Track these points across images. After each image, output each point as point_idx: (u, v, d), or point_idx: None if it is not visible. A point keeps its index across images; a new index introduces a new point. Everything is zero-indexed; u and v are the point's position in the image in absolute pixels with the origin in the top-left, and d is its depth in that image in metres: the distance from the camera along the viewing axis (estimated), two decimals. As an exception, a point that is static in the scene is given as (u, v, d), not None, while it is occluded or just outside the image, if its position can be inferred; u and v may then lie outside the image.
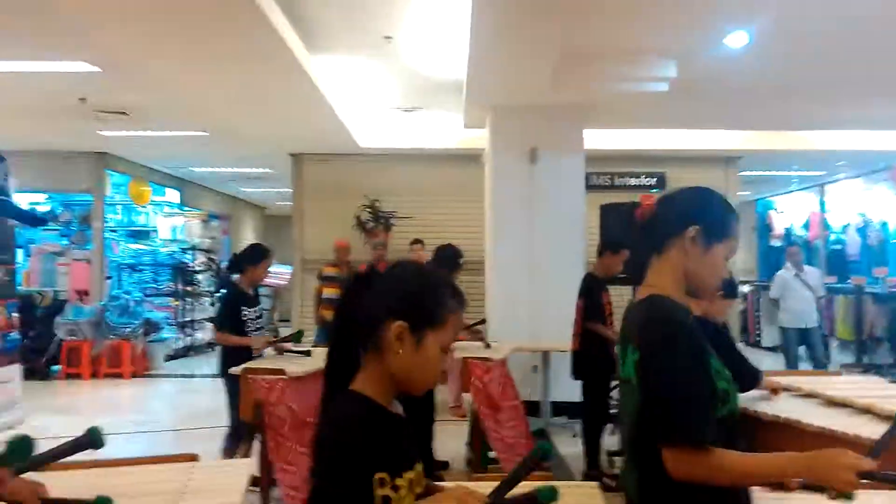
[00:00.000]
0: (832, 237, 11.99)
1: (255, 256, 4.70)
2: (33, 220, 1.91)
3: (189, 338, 11.56)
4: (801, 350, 7.77)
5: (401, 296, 1.39)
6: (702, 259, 1.65)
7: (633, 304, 1.70)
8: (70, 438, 1.64)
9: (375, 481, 1.28)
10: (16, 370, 6.77)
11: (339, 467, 1.27)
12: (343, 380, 1.40)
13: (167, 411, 8.04)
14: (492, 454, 4.65)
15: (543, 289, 6.66)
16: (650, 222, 1.72)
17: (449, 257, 5.05)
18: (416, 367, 1.38)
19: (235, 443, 4.41)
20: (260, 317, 4.73)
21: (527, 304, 6.72)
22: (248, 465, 2.01)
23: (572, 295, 5.03)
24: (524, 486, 1.39)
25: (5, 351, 6.66)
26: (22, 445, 1.54)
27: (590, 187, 7.57)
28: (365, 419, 1.33)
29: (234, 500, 1.73)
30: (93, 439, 1.63)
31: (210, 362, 10.89)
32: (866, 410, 2.66)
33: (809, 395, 3.01)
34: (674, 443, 1.47)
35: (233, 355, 4.41)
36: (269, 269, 4.78)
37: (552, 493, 1.34)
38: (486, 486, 1.40)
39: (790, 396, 3.04)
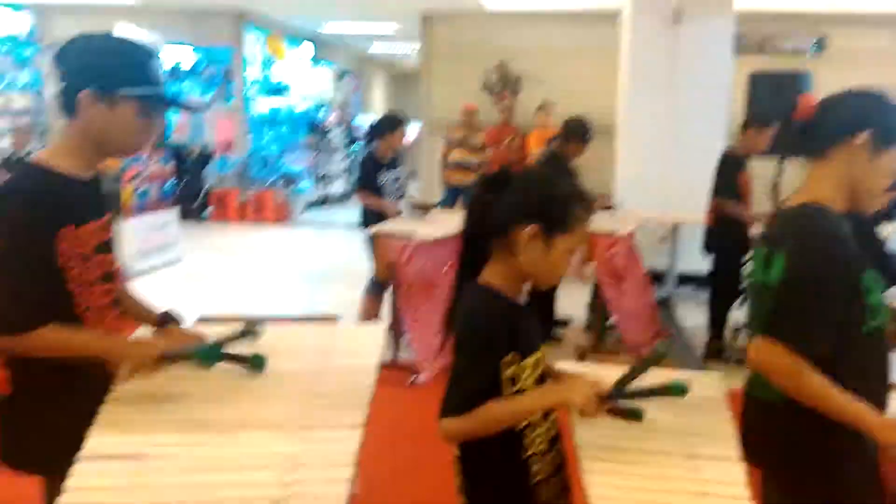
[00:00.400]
0: None
1: (391, 125, 4.91)
2: (186, 106, 2.04)
3: (325, 189, 12.15)
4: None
5: (536, 200, 1.45)
6: (870, 168, 1.56)
7: (784, 210, 1.64)
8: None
9: (504, 363, 1.43)
10: (173, 214, 7.45)
11: (471, 352, 1.42)
12: (474, 270, 1.51)
13: (305, 256, 8.65)
14: (611, 321, 4.73)
15: (678, 159, 6.40)
16: (811, 125, 1.62)
17: (577, 130, 4.93)
18: (543, 267, 1.48)
19: (375, 290, 4.87)
20: (397, 179, 4.96)
21: (659, 174, 6.51)
22: (382, 330, 2.17)
23: (709, 168, 4.82)
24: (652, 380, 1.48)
25: (163, 197, 7.31)
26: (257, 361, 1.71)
27: (738, 51, 6.98)
28: (493, 309, 1.46)
29: (372, 361, 1.89)
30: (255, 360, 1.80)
31: (343, 212, 11.50)
32: None
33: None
34: (773, 335, 1.49)
35: (372, 213, 4.77)
36: (402, 136, 4.95)
37: (682, 388, 1.46)
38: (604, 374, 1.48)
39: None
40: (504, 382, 1.43)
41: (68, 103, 1.57)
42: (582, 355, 4.60)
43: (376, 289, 4.93)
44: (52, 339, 1.52)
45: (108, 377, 1.60)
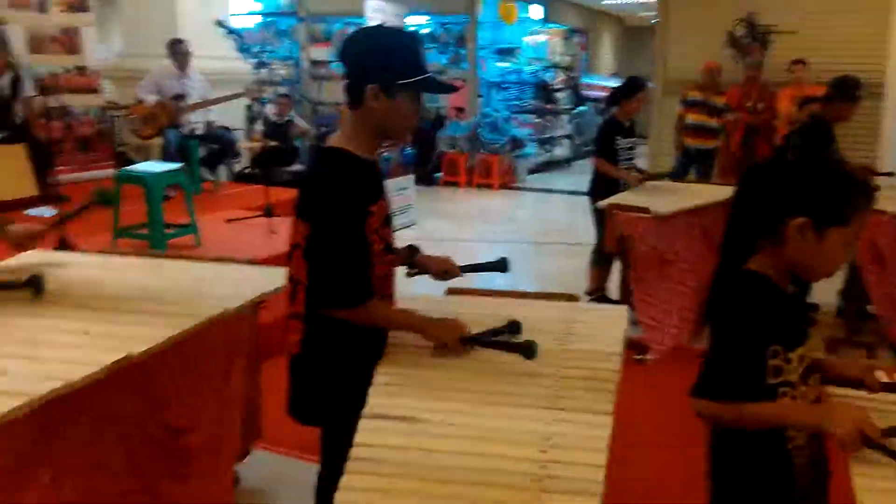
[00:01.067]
0: None
1: (630, 89, 4.81)
2: (447, 89, 2.21)
3: (549, 153, 12.17)
4: None
5: (808, 193, 1.39)
6: None
7: None
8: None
9: (769, 352, 1.41)
10: (411, 179, 7.92)
11: (736, 338, 1.42)
12: (739, 256, 1.49)
13: (530, 222, 8.78)
14: (871, 308, 4.29)
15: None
16: None
17: (846, 89, 4.46)
18: (814, 260, 1.43)
19: (602, 262, 4.88)
20: (632, 148, 4.87)
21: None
22: (624, 314, 2.17)
23: None
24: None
25: (403, 163, 7.80)
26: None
27: None
28: (762, 297, 1.44)
29: (618, 346, 1.92)
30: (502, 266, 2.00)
31: (566, 178, 11.47)
32: None
33: None
34: None
35: (603, 182, 4.72)
36: (644, 100, 4.83)
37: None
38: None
39: None
40: (769, 370, 1.41)
41: (354, 96, 1.76)
42: (833, 346, 4.23)
43: (603, 260, 4.90)
44: (382, 313, 1.78)
45: (382, 340, 1.81)
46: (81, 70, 6.42)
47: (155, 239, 4.32)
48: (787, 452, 1.46)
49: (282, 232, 5.01)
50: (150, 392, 2.00)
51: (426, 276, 2.14)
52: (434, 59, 11.07)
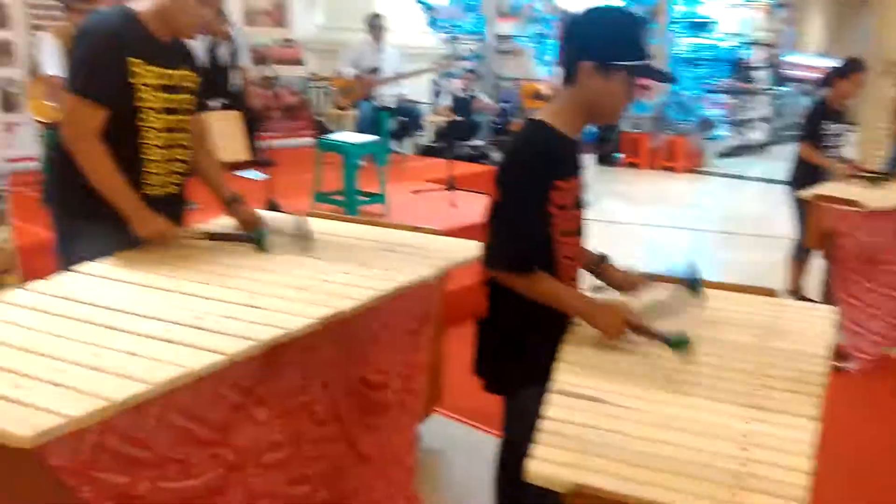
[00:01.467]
0: None
1: (846, 70, 4.44)
2: (667, 77, 2.13)
3: (742, 136, 11.43)
4: None
5: None
6: None
7: None
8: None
9: None
10: (591, 159, 7.80)
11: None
12: None
13: (715, 209, 8.33)
14: None
15: None
16: None
17: None
18: None
19: (801, 257, 4.55)
20: (840, 135, 4.50)
21: None
22: (831, 315, 2.03)
23: None
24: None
25: (584, 142, 7.68)
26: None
27: None
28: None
29: (823, 348, 1.80)
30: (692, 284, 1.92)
31: (761, 164, 10.72)
32: None
33: None
34: None
35: (806, 170, 4.40)
36: (861, 83, 4.42)
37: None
38: None
39: None
40: None
41: (569, 72, 1.77)
42: None
43: (802, 255, 4.56)
44: (547, 286, 1.77)
45: (565, 316, 1.82)
46: (289, 42, 6.91)
47: (349, 205, 4.61)
48: None
49: (462, 206, 5.16)
50: (351, 348, 2.16)
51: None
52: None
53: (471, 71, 9.07)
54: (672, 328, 1.73)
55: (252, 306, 1.87)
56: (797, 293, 4.59)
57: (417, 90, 7.69)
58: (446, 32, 9.66)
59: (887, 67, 8.12)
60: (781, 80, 12.47)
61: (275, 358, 1.81)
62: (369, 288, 2.05)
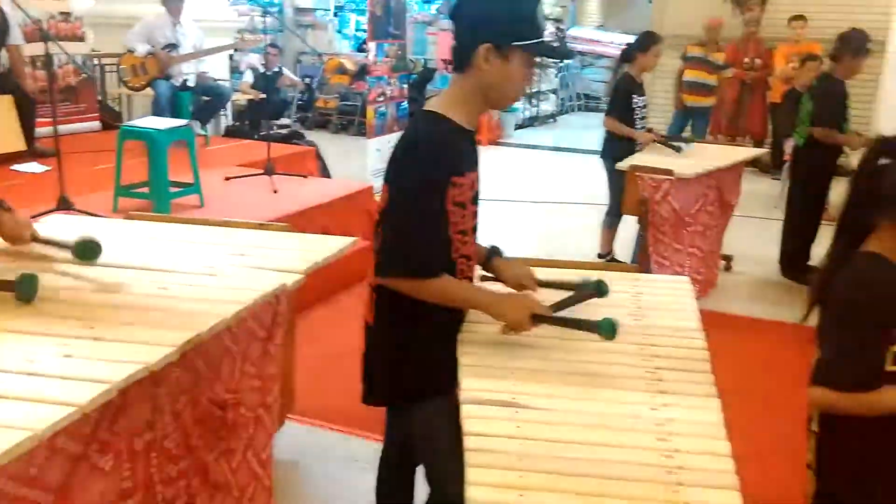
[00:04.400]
0: None
1: (644, 44, 4.70)
2: (561, 55, 2.08)
3: (535, 108, 12.01)
4: None
5: None
6: None
7: None
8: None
9: (889, 337, 1.37)
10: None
11: (858, 321, 1.38)
12: (856, 240, 1.44)
13: (519, 180, 8.69)
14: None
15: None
16: None
17: (856, 43, 4.44)
18: None
19: (613, 223, 4.84)
20: (645, 106, 4.80)
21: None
22: (689, 285, 2.12)
23: None
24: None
25: (398, 118, 7.60)
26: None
27: None
28: (883, 278, 1.39)
29: (695, 320, 1.87)
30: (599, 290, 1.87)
31: (553, 133, 11.36)
32: None
33: None
34: None
35: (617, 142, 4.64)
36: (659, 54, 4.72)
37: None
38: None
39: None
40: (890, 356, 1.37)
41: (463, 56, 1.63)
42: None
43: (614, 221, 4.85)
44: (447, 288, 1.64)
45: (454, 316, 1.72)
46: (66, 16, 6.08)
47: (159, 199, 4.15)
48: None
49: (283, 191, 4.87)
50: (201, 368, 1.91)
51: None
52: (424, 9, 10.77)
53: (273, 45, 8.61)
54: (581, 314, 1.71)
55: (95, 339, 1.57)
56: (608, 256, 4.91)
57: (217, 68, 7.14)
58: (244, 4, 9.07)
59: (667, 42, 8.86)
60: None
61: (120, 395, 1.53)
62: (232, 302, 1.82)
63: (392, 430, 1.90)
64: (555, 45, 1.97)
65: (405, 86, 7.33)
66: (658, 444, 1.33)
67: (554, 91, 12.88)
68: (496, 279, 1.89)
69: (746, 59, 7.63)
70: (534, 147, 10.39)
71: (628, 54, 4.80)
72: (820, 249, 2.15)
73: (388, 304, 1.70)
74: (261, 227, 2.51)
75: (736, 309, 4.40)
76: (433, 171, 1.60)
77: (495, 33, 1.59)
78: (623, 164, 4.15)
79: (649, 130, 4.79)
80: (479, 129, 9.98)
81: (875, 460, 1.44)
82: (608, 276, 2.13)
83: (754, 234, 5.61)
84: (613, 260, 4.87)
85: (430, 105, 1.70)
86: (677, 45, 7.77)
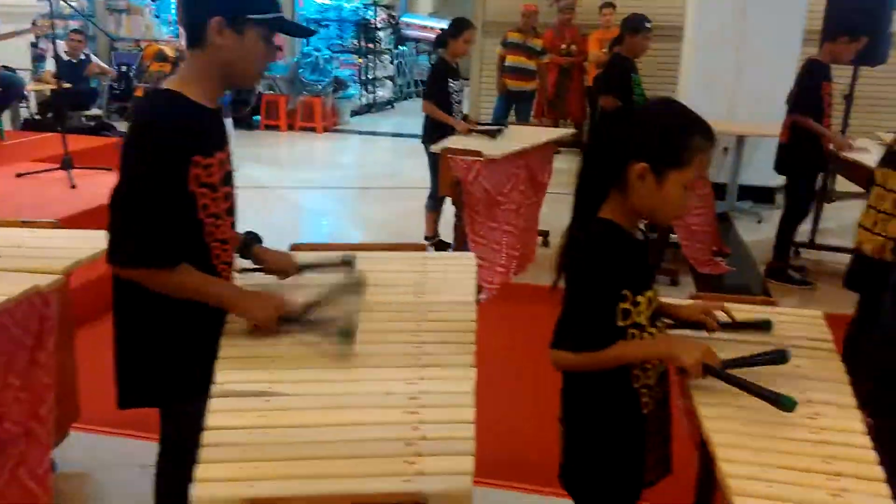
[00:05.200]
0: None
1: (455, 29, 4.78)
2: (303, 32, 1.98)
3: (372, 95, 11.96)
4: None
5: (645, 138, 1.42)
6: None
7: None
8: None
9: (619, 296, 1.45)
10: (228, 124, 7.40)
11: (591, 285, 1.44)
12: (591, 209, 1.50)
13: (356, 166, 8.64)
14: (674, 237, 4.67)
15: (748, 67, 6.13)
16: None
17: (630, 23, 4.82)
18: (657, 204, 1.46)
19: (435, 206, 4.94)
20: (461, 90, 4.89)
21: (726, 81, 6.27)
22: (473, 261, 2.17)
23: (780, 77, 4.61)
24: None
25: (224, 104, 7.27)
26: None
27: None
28: (612, 242, 1.47)
29: (471, 294, 1.91)
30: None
31: (390, 120, 11.38)
32: None
33: None
34: None
35: (437, 127, 4.70)
36: (471, 39, 4.82)
37: (791, 404, 1.38)
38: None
39: None
40: (619, 313, 1.45)
41: (195, 32, 1.54)
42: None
43: (436, 204, 4.93)
44: (186, 280, 1.55)
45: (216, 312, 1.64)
46: None
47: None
48: (635, 392, 1.52)
49: (83, 186, 4.53)
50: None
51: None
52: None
53: (78, 31, 7.95)
54: (334, 314, 1.64)
55: None
56: (434, 239, 4.98)
57: (15, 55, 6.50)
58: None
59: (490, 28, 9.10)
60: (401, 40, 13.27)
61: None
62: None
63: (162, 429, 1.79)
64: (297, 23, 1.92)
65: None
66: (405, 418, 1.33)
67: (391, 78, 12.88)
68: (257, 267, 1.83)
69: (563, 46, 7.98)
70: (372, 133, 10.34)
71: (442, 40, 4.88)
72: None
73: (132, 297, 1.59)
74: (24, 224, 2.29)
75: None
76: (168, 151, 1.50)
77: (226, 5, 1.52)
78: (436, 147, 4.21)
79: (465, 117, 4.88)
80: (315, 117, 9.87)
81: (610, 411, 1.53)
82: (396, 258, 2.14)
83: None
84: (440, 242, 4.95)
85: (166, 83, 1.61)
86: (499, 31, 8.01)
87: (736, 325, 1.69)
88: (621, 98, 4.59)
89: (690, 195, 1.47)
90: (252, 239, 1.85)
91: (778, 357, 1.52)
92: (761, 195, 6.54)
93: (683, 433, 1.74)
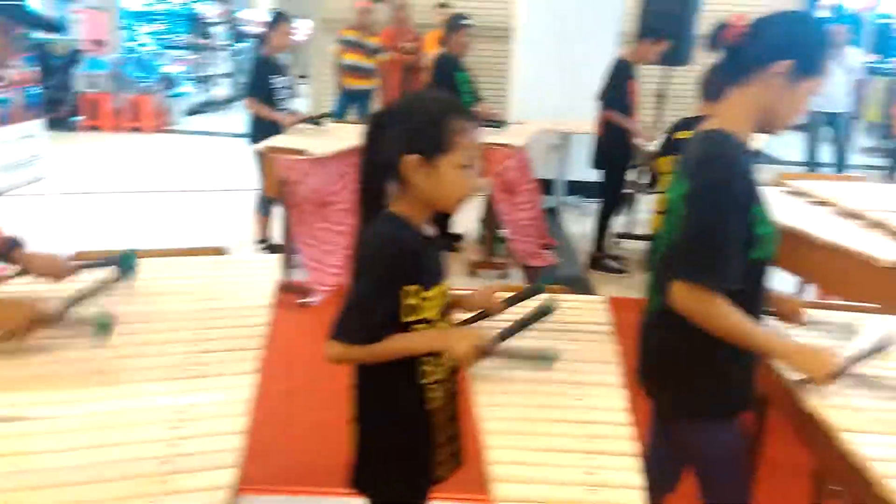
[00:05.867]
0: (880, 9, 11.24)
1: (271, 23, 4.67)
2: (49, 25, 1.79)
3: (207, 93, 11.45)
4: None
5: (409, 129, 1.44)
6: (785, 95, 1.53)
7: (695, 136, 1.63)
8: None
9: (404, 292, 1.44)
10: (38, 125, 6.81)
11: (373, 280, 1.43)
12: (376, 207, 1.50)
13: (188, 169, 8.20)
14: (502, 233, 4.81)
15: (573, 66, 6.43)
16: (737, 48, 1.56)
17: (451, 21, 5.00)
18: (439, 192, 1.47)
19: (264, 209, 4.79)
20: (288, 87, 4.76)
21: (554, 81, 6.54)
22: (276, 263, 2.10)
23: (600, 76, 4.85)
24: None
25: (27, 106, 6.67)
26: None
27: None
28: (398, 236, 1.46)
29: (266, 298, 1.84)
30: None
31: (228, 119, 10.91)
32: (877, 225, 2.71)
33: (825, 203, 3.04)
34: (686, 278, 1.51)
35: (262, 125, 4.54)
36: (290, 32, 4.71)
37: (551, 359, 1.55)
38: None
39: (806, 203, 3.09)
40: (404, 309, 1.45)
41: None
42: (474, 269, 4.68)
43: (265, 207, 4.78)
44: None
45: None
46: None
47: None
48: (421, 387, 1.52)
49: None
50: None
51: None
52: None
53: None
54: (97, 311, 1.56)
55: None
56: (265, 242, 4.83)
57: None
58: None
59: (328, 25, 8.95)
60: (238, 35, 12.81)
61: None
62: None
63: None
64: (38, 14, 1.73)
65: (36, 68, 6.45)
66: (167, 434, 1.26)
67: (229, 75, 12.40)
68: (25, 272, 1.69)
69: (403, 44, 8.00)
70: (208, 134, 9.87)
71: (262, 36, 4.75)
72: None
73: None
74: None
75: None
76: None
77: None
78: (259, 147, 4.07)
79: (292, 113, 4.76)
80: (141, 116, 9.28)
81: (397, 408, 1.53)
82: (190, 263, 2.04)
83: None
84: (270, 246, 4.79)
85: None
86: (339, 28, 7.91)
87: (517, 299, 1.74)
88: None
89: (471, 174, 1.47)
90: (13, 242, 1.70)
91: (545, 310, 1.62)
92: (589, 190, 6.90)
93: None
